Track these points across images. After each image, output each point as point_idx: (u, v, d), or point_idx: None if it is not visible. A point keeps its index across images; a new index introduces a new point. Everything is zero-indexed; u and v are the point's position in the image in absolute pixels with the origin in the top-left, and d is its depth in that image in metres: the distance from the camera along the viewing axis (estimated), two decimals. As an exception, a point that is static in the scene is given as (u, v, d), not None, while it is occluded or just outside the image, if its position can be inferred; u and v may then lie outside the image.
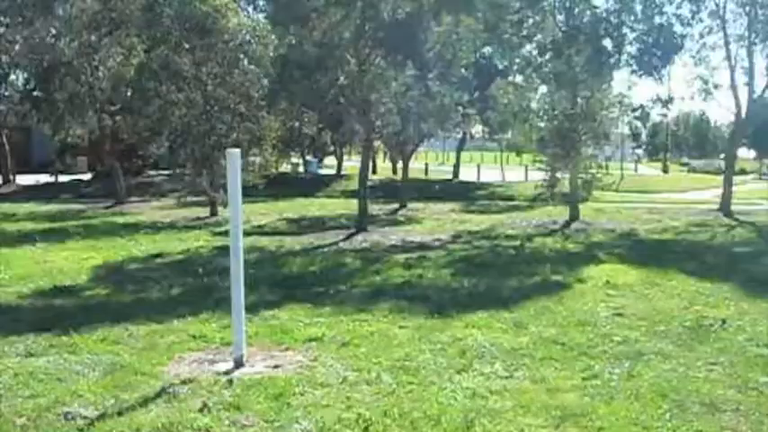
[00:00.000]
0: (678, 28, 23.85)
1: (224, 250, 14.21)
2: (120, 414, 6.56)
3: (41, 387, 7.31)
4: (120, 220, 24.78)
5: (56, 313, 10.77)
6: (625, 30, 22.96)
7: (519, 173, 52.52)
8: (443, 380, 7.54)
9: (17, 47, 31.85)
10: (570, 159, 23.22)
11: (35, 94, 39.74)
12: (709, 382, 7.43)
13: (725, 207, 27.05)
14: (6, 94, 43.08)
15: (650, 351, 8.58)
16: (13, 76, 43.15)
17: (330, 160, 59.51)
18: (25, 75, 41.18)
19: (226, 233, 18.14)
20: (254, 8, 41.54)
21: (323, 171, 54.83)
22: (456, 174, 52.13)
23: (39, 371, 7.80)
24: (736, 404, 6.84)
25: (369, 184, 22.38)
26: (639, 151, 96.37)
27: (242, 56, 25.09)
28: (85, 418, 6.49)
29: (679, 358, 8.32)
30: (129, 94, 30.44)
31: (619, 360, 8.22)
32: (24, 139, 52.25)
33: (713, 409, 6.73)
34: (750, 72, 27.35)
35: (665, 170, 71.41)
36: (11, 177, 43.14)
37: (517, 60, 24.82)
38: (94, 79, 30.16)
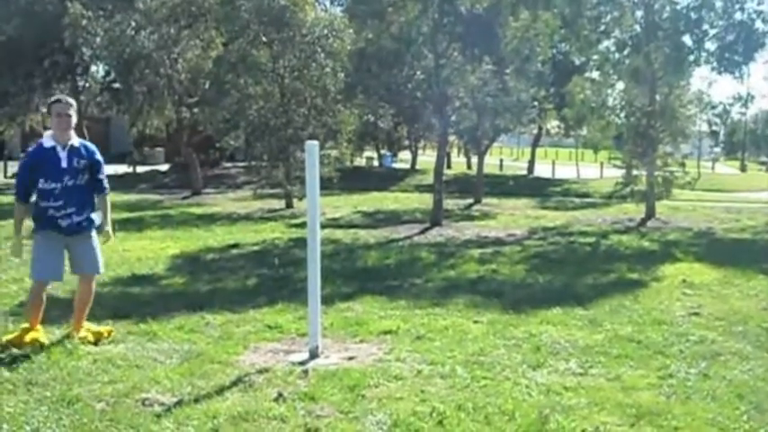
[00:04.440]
0: (759, 24, 23.35)
1: (299, 242, 14.32)
2: (196, 401, 6.62)
3: (120, 373, 7.39)
4: (197, 210, 25.10)
5: (134, 301, 10.95)
6: (705, 26, 22.59)
7: (594, 170, 52.02)
8: (518, 375, 7.49)
9: (98, 39, 32.40)
10: (647, 157, 22.95)
11: (115, 85, 40.59)
12: (789, 385, 7.31)
13: (805, 207, 26.56)
14: (87, 85, 43.89)
15: (727, 351, 8.43)
16: (93, 68, 44.02)
17: (404, 155, 59.61)
18: (106, 66, 41.98)
19: (301, 225, 18.26)
20: (332, 2, 41.89)
21: (397, 165, 54.94)
22: (531, 170, 51.91)
23: (117, 357, 7.90)
24: (815, 407, 6.71)
25: (443, 178, 22.30)
26: (717, 149, 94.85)
27: (319, 49, 25.23)
28: (162, 404, 6.56)
29: (757, 359, 8.15)
30: (206, 86, 30.88)
31: (695, 360, 8.08)
32: (103, 129, 53.41)
33: (792, 412, 6.61)
34: (833, 70, 26.83)
35: (743, 169, 70.27)
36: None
37: (594, 56, 24.53)
38: (173, 71, 30.63)
